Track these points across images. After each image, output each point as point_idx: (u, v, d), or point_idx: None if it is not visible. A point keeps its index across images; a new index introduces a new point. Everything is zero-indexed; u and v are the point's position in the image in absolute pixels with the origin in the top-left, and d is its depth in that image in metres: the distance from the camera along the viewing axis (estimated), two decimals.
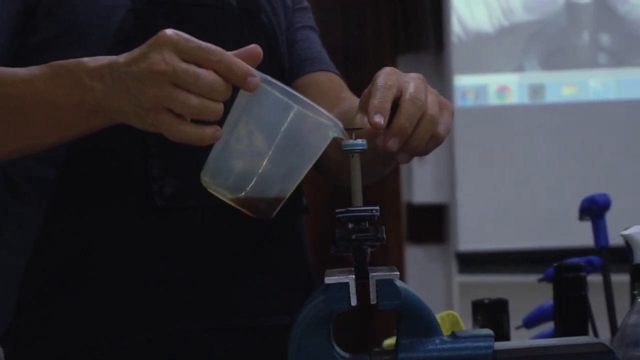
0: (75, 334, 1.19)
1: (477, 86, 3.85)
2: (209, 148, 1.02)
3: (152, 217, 1.20)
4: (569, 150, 3.79)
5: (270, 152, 0.99)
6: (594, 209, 1.50)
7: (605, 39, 3.86)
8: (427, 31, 3.90)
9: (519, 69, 3.87)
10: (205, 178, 1.02)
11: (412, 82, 1.07)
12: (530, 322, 1.58)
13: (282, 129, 0.98)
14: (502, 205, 3.79)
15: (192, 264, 1.21)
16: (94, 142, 1.18)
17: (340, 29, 3.92)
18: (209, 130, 0.98)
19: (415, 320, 0.96)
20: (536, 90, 3.85)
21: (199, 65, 0.96)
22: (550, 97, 3.85)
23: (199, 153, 1.05)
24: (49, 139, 1.10)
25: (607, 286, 1.49)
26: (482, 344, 0.96)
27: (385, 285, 0.95)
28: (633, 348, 1.02)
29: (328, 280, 0.95)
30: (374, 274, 0.96)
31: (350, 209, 0.99)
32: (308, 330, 0.96)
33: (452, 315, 1.38)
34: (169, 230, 1.21)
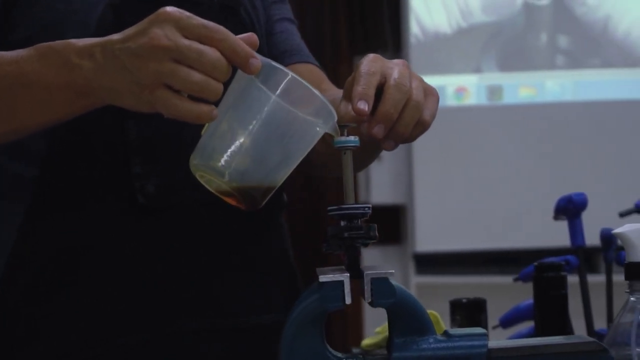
0: (74, 333, 1.16)
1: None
2: (192, 144, 1.00)
3: (148, 216, 1.18)
4: (526, 152, 3.81)
5: (256, 141, 0.96)
6: (571, 209, 1.49)
7: (562, 41, 3.89)
8: (384, 32, 3.90)
9: (477, 70, 3.88)
10: (195, 161, 0.99)
11: (396, 68, 1.06)
12: (507, 322, 1.57)
13: (268, 121, 0.96)
14: (459, 206, 3.81)
15: (189, 263, 1.19)
16: (76, 138, 1.16)
17: (297, 29, 3.90)
18: (206, 108, 0.95)
19: (409, 319, 0.95)
20: (494, 91, 3.87)
21: (201, 43, 0.94)
22: (508, 98, 3.87)
23: (182, 150, 1.03)
24: (37, 121, 1.07)
25: (584, 286, 1.48)
26: (476, 342, 0.95)
27: (380, 284, 0.94)
28: (625, 347, 1.01)
29: (322, 278, 0.93)
30: (368, 272, 0.94)
31: (343, 206, 0.98)
32: (300, 329, 0.94)
33: (432, 315, 1.37)
34: (166, 229, 1.19)
